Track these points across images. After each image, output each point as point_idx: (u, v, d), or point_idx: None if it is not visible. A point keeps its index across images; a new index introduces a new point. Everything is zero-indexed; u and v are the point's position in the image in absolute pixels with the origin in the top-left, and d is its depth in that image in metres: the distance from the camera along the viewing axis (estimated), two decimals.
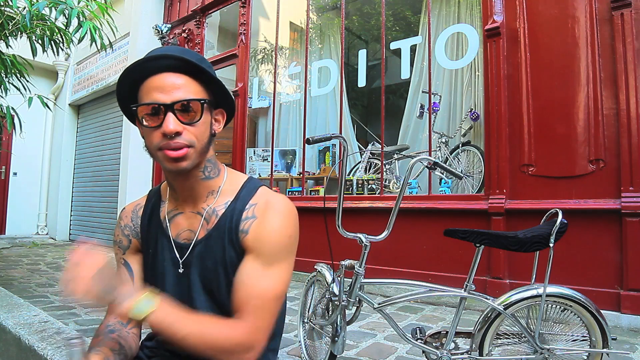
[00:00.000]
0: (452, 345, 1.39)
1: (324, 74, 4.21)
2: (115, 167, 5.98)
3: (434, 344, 1.41)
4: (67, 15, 2.75)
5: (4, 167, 7.14)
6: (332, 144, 4.94)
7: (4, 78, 3.02)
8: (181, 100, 0.85)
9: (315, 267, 1.75)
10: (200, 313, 0.92)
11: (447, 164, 3.81)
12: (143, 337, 1.03)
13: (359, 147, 5.05)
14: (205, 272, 0.93)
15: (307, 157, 4.60)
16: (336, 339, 1.52)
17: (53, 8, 2.79)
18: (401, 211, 1.58)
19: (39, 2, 2.70)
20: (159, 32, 5.55)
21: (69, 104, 7.17)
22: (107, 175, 6.32)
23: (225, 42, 5.65)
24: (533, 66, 2.79)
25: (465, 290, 1.38)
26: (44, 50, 3.11)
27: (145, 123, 0.87)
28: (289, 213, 0.93)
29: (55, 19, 2.91)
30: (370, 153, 4.49)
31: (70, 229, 7.19)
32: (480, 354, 1.34)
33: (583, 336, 1.30)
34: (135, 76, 0.88)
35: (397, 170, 4.34)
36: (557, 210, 1.28)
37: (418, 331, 1.43)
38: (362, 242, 1.51)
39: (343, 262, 1.57)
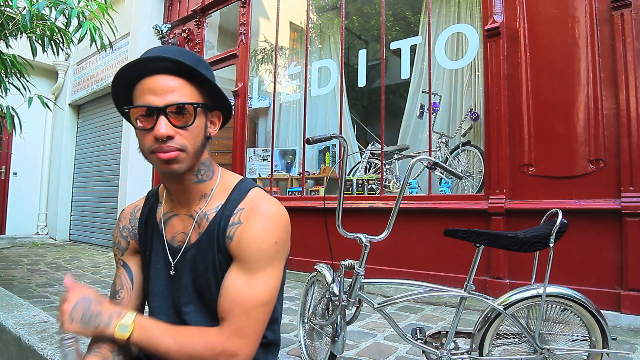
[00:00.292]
0: (452, 345, 1.39)
1: (324, 74, 4.21)
2: (115, 167, 5.98)
3: (434, 344, 1.41)
4: (67, 15, 2.75)
5: (4, 167, 7.14)
6: (332, 144, 4.94)
7: (4, 78, 3.02)
8: (174, 104, 0.84)
9: (315, 267, 1.75)
10: (190, 317, 0.92)
11: (447, 164, 3.81)
12: None
13: (359, 147, 5.05)
14: (196, 276, 0.93)
15: (307, 157, 4.60)
16: (336, 339, 1.52)
17: (53, 8, 2.79)
18: (401, 211, 1.58)
19: (39, 2, 2.70)
20: (159, 32, 5.55)
21: (69, 104, 7.17)
22: (107, 175, 6.32)
23: (225, 42, 5.65)
24: (533, 66, 2.79)
25: (465, 290, 1.38)
26: (44, 50, 3.11)
27: (139, 125, 0.86)
28: (275, 219, 0.91)
29: (55, 19, 2.91)
30: (370, 153, 4.49)
31: (70, 229, 7.20)
32: (480, 354, 1.33)
33: (583, 336, 1.30)
34: (130, 77, 0.87)
35: (397, 170, 4.34)
36: (557, 210, 1.28)
37: (418, 331, 1.42)
38: (362, 242, 1.51)
39: (343, 262, 1.57)
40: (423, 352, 1.42)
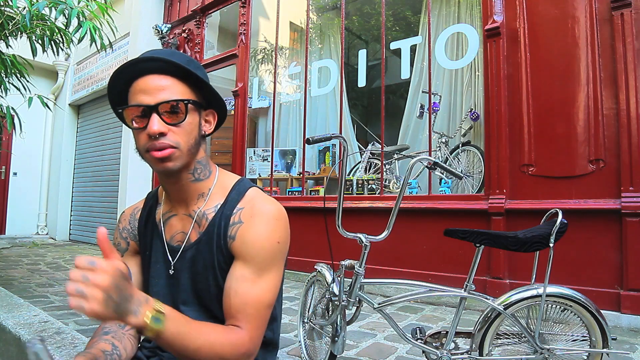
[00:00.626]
0: (452, 345, 1.39)
1: (324, 74, 4.21)
2: (115, 167, 5.98)
3: (434, 344, 1.41)
4: (67, 15, 2.75)
5: (4, 167, 7.14)
6: (332, 144, 4.94)
7: (4, 78, 3.02)
8: (165, 102, 0.85)
9: (315, 267, 1.75)
10: (189, 316, 0.92)
11: (447, 164, 3.81)
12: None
13: (359, 147, 5.05)
14: (195, 275, 0.93)
15: (307, 157, 4.60)
16: (336, 339, 1.52)
17: (53, 8, 2.79)
18: (401, 211, 1.58)
19: (39, 2, 2.70)
20: (159, 32, 5.55)
21: (69, 104, 7.17)
22: (107, 175, 6.32)
23: (225, 42, 5.65)
24: (533, 66, 2.79)
25: (465, 290, 1.38)
26: (44, 50, 3.11)
27: (134, 125, 0.87)
28: (276, 218, 0.92)
29: (55, 19, 2.91)
30: (370, 153, 4.49)
31: (70, 229, 7.19)
32: (480, 354, 1.33)
33: (583, 336, 1.30)
34: (124, 79, 0.88)
35: (397, 170, 4.34)
36: (557, 210, 1.28)
37: (418, 331, 1.42)
38: (362, 242, 1.51)
39: (343, 262, 1.57)
40: (423, 352, 1.42)
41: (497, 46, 2.92)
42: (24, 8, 2.76)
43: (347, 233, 1.54)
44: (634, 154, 2.38)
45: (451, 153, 3.93)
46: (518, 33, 2.86)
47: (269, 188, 4.54)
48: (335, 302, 1.53)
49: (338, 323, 1.52)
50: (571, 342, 1.31)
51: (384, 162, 3.94)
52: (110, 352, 0.87)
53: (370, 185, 3.86)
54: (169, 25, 5.61)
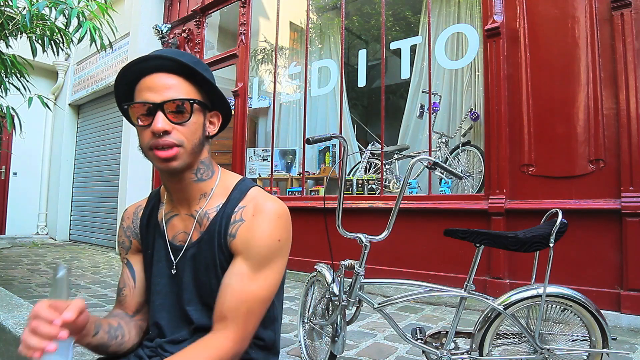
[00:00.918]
0: (452, 345, 1.39)
1: (324, 74, 4.21)
2: (115, 167, 5.98)
3: (434, 344, 1.41)
4: (67, 15, 2.75)
5: (4, 167, 7.14)
6: (332, 144, 4.94)
7: (4, 78, 3.02)
8: (171, 100, 0.85)
9: (315, 267, 1.75)
10: (192, 314, 0.93)
11: (447, 164, 3.81)
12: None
13: (359, 147, 5.05)
14: (197, 274, 0.94)
15: (307, 157, 4.60)
16: (336, 339, 1.52)
17: (53, 8, 2.79)
18: (401, 211, 1.58)
19: (39, 2, 2.70)
20: (159, 32, 5.55)
21: (69, 104, 7.18)
22: (107, 175, 6.32)
23: (225, 42, 5.65)
24: (533, 66, 2.79)
25: (465, 290, 1.38)
26: (44, 50, 3.11)
27: (139, 123, 0.87)
28: (278, 216, 0.92)
29: (55, 19, 2.91)
30: (370, 153, 4.49)
31: (70, 229, 7.20)
32: (480, 354, 1.33)
33: (583, 336, 1.30)
34: (130, 77, 0.89)
35: (397, 170, 4.34)
36: (557, 210, 1.28)
37: (418, 331, 1.43)
38: (362, 242, 1.51)
39: (343, 262, 1.57)
40: (423, 352, 1.42)
41: (497, 46, 2.92)
42: (24, 8, 2.77)
43: (347, 233, 1.54)
44: (634, 154, 2.38)
45: (451, 153, 3.93)
46: (518, 33, 2.86)
47: (269, 188, 4.54)
48: (335, 302, 1.53)
49: (338, 323, 1.52)
50: (571, 342, 1.31)
51: (384, 162, 3.94)
52: (115, 327, 0.91)
53: (370, 185, 3.86)
54: (169, 25, 5.61)
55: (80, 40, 3.03)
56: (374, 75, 4.80)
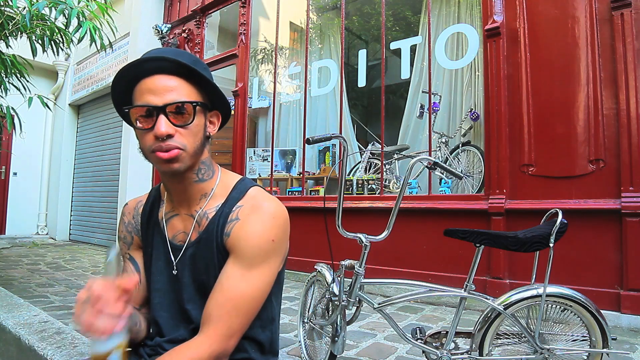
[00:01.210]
0: (452, 345, 1.39)
1: (324, 74, 4.21)
2: (115, 167, 5.98)
3: (434, 344, 1.41)
4: (67, 15, 2.75)
5: (4, 167, 7.14)
6: (332, 144, 4.94)
7: (4, 78, 3.02)
8: (173, 103, 0.84)
9: (315, 267, 1.75)
10: (192, 313, 0.93)
11: (447, 164, 3.81)
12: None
13: (359, 147, 5.05)
14: (197, 274, 0.94)
15: (307, 157, 4.60)
16: (336, 339, 1.52)
17: (53, 8, 2.79)
18: (401, 211, 1.58)
19: (39, 2, 2.70)
20: (159, 32, 5.55)
21: (69, 104, 7.17)
22: (107, 175, 6.32)
23: (225, 42, 5.65)
24: (533, 66, 2.79)
25: (465, 290, 1.38)
26: (44, 50, 3.11)
27: (139, 125, 0.86)
28: (274, 216, 0.91)
29: (55, 19, 2.91)
30: (370, 153, 4.49)
31: (70, 229, 7.19)
32: (480, 354, 1.33)
33: (583, 336, 1.30)
34: (129, 78, 0.87)
35: (397, 170, 4.34)
36: (557, 210, 1.28)
37: (418, 331, 1.43)
38: (362, 242, 1.51)
39: (343, 262, 1.57)
40: (423, 352, 1.42)
41: (497, 46, 2.92)
42: (24, 8, 2.77)
43: (347, 233, 1.54)
44: (634, 154, 2.38)
45: (451, 153, 3.93)
46: (518, 33, 2.86)
47: (269, 188, 4.54)
48: (335, 302, 1.53)
49: (338, 323, 1.52)
50: (571, 342, 1.31)
51: (384, 162, 3.94)
52: (134, 314, 0.92)
53: (370, 185, 3.86)
54: (169, 25, 5.61)
55: (80, 40, 3.03)
56: (374, 75, 4.80)
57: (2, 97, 3.06)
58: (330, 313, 1.61)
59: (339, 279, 1.56)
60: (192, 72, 0.87)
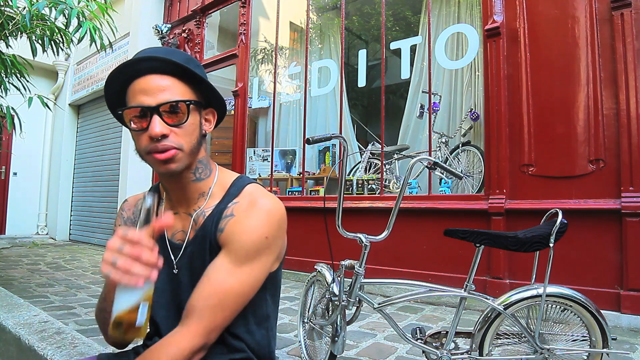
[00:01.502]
0: (452, 345, 1.39)
1: (324, 74, 4.21)
2: (115, 167, 5.98)
3: (434, 344, 1.41)
4: (67, 15, 2.75)
5: (4, 167, 7.14)
6: (332, 144, 4.94)
7: (4, 78, 3.02)
8: (166, 102, 0.84)
9: (315, 267, 1.75)
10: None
11: (447, 164, 3.81)
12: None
13: (359, 147, 5.05)
14: (194, 273, 0.93)
15: (307, 157, 4.60)
16: (336, 339, 1.52)
17: (53, 8, 2.79)
18: (401, 211, 1.58)
19: (39, 2, 2.70)
20: (159, 32, 5.55)
21: (69, 104, 7.18)
22: (107, 175, 6.32)
23: (225, 42, 5.65)
24: (533, 66, 2.79)
25: (465, 290, 1.38)
26: (44, 50, 3.11)
27: (133, 126, 0.86)
28: (269, 213, 0.90)
29: (55, 19, 2.91)
30: (370, 153, 4.49)
31: (70, 229, 7.20)
32: (480, 354, 1.33)
33: (583, 336, 1.30)
34: (122, 79, 0.87)
35: (397, 170, 4.34)
36: (557, 210, 1.28)
37: (418, 331, 1.43)
38: (362, 242, 1.51)
39: (343, 262, 1.57)
40: (423, 352, 1.42)
41: (497, 46, 2.92)
42: (24, 8, 2.77)
43: (347, 233, 1.54)
44: (634, 154, 2.38)
45: (451, 153, 3.93)
46: (518, 33, 2.86)
47: (269, 188, 4.55)
48: (335, 302, 1.53)
49: (338, 323, 1.52)
50: (571, 342, 1.31)
51: (384, 162, 3.94)
52: None
53: (370, 185, 3.86)
54: (169, 25, 5.61)
55: (80, 40, 3.03)
56: (374, 75, 4.80)
57: (2, 97, 3.06)
58: (330, 313, 1.61)
59: (339, 279, 1.56)
60: (185, 71, 0.86)
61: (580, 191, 2.55)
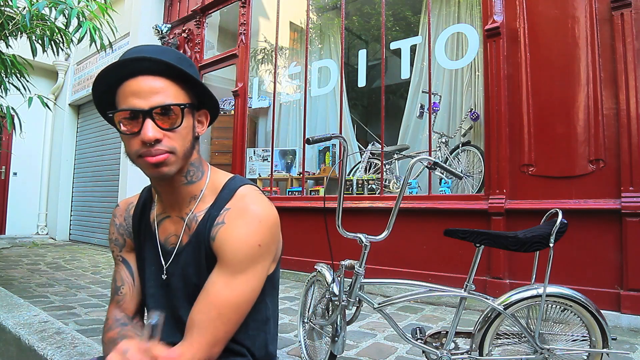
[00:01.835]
0: (452, 345, 1.39)
1: (324, 74, 4.21)
2: (115, 167, 5.98)
3: (434, 344, 1.41)
4: (67, 15, 2.75)
5: (4, 167, 7.14)
6: (332, 144, 4.94)
7: (4, 78, 3.02)
8: (160, 106, 0.81)
9: (315, 267, 1.75)
10: (185, 320, 0.90)
11: (447, 164, 3.81)
12: None
13: (359, 147, 5.05)
14: (186, 278, 0.92)
15: (307, 157, 4.60)
16: (336, 339, 1.52)
17: (53, 8, 2.79)
18: (401, 211, 1.58)
19: (39, 2, 2.70)
20: (159, 32, 5.55)
21: (69, 104, 7.17)
22: (107, 175, 6.32)
23: (225, 42, 5.65)
24: (533, 66, 2.79)
25: (465, 290, 1.38)
26: (44, 50, 3.11)
27: (123, 129, 0.82)
28: (260, 220, 0.87)
29: (55, 19, 2.91)
30: (370, 153, 4.49)
31: (70, 229, 7.20)
32: (480, 354, 1.33)
33: (583, 336, 1.30)
34: (111, 80, 0.83)
35: (397, 170, 4.34)
36: (557, 210, 1.28)
37: (418, 331, 1.42)
38: (362, 242, 1.51)
39: (343, 262, 1.57)
40: (423, 352, 1.42)
41: (497, 46, 2.92)
42: (24, 8, 2.77)
43: (347, 233, 1.54)
44: (634, 154, 2.38)
45: (451, 153, 3.93)
46: (518, 33, 2.86)
47: (269, 188, 4.55)
48: (335, 302, 1.53)
49: (338, 323, 1.52)
50: (571, 342, 1.31)
51: (384, 162, 3.94)
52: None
53: (370, 185, 3.86)
54: (169, 25, 5.61)
55: (80, 40, 3.03)
56: (374, 75, 4.80)
57: (2, 97, 3.06)
58: (330, 313, 1.61)
59: (339, 279, 1.56)
60: (178, 72, 0.83)
61: (580, 191, 2.55)
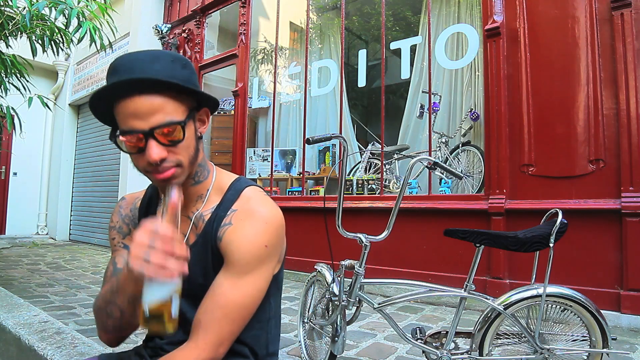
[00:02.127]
0: (452, 345, 1.39)
1: (324, 74, 4.21)
2: (115, 167, 5.98)
3: (434, 344, 1.41)
4: (67, 15, 2.75)
5: (4, 167, 7.14)
6: (332, 144, 4.94)
7: (4, 78, 3.02)
8: (160, 126, 0.79)
9: (315, 267, 1.75)
10: (189, 318, 0.90)
11: (447, 164, 3.81)
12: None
13: (359, 147, 5.05)
14: (194, 278, 0.91)
15: (307, 157, 4.60)
16: (336, 339, 1.52)
17: (53, 8, 2.79)
18: (401, 211, 1.58)
19: (39, 2, 2.70)
20: (159, 32, 5.55)
21: (69, 104, 7.17)
22: (107, 175, 6.32)
23: (225, 42, 5.65)
24: (533, 66, 2.79)
25: (465, 290, 1.38)
26: (44, 50, 3.11)
27: (126, 148, 0.82)
28: (267, 222, 0.88)
29: (55, 19, 2.91)
30: (370, 153, 4.49)
31: (70, 229, 7.19)
32: (480, 354, 1.33)
33: (583, 336, 1.30)
34: (106, 102, 0.82)
35: (397, 170, 4.34)
36: (557, 210, 1.28)
37: (418, 331, 1.43)
38: (362, 242, 1.51)
39: (343, 262, 1.57)
40: (423, 352, 1.42)
41: (497, 46, 2.92)
42: (24, 8, 2.77)
43: (347, 233, 1.54)
44: (634, 154, 2.38)
45: (451, 153, 3.93)
46: (518, 33, 2.86)
47: (269, 188, 4.55)
48: (335, 302, 1.53)
49: (338, 323, 1.52)
50: (571, 342, 1.31)
51: (384, 162, 3.94)
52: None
53: (370, 185, 3.86)
54: (169, 25, 5.62)
55: (80, 40, 3.03)
56: (374, 75, 4.81)
57: (2, 97, 3.06)
58: (330, 313, 1.61)
59: (339, 279, 1.56)
60: (174, 86, 0.81)
61: (580, 191, 2.55)
